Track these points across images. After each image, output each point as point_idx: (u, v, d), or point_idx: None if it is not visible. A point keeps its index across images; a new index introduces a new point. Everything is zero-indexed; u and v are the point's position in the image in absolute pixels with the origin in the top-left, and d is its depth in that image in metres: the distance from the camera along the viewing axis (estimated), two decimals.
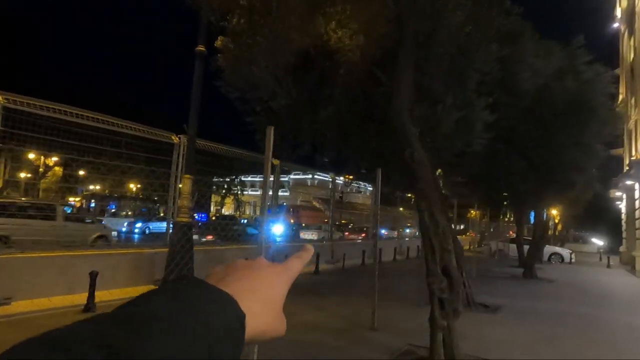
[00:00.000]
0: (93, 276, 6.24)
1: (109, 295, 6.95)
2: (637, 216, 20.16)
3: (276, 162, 11.41)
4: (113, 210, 27.96)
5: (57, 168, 31.44)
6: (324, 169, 11.94)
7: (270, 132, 3.68)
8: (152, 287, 7.46)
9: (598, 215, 40.32)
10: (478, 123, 8.54)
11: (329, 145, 9.24)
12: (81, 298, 6.36)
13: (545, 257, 21.03)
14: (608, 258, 20.61)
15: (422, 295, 6.62)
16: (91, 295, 6.22)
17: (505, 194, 17.13)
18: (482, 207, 22.97)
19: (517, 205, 18.24)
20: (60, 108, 7.15)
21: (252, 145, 10.20)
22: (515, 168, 13.95)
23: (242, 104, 7.50)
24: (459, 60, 8.17)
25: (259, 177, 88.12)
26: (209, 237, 11.89)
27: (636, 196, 20.20)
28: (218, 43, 7.91)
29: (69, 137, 7.74)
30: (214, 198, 65.07)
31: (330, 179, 14.79)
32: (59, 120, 7.17)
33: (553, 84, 12.58)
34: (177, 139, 8.52)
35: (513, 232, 28.38)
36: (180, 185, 7.99)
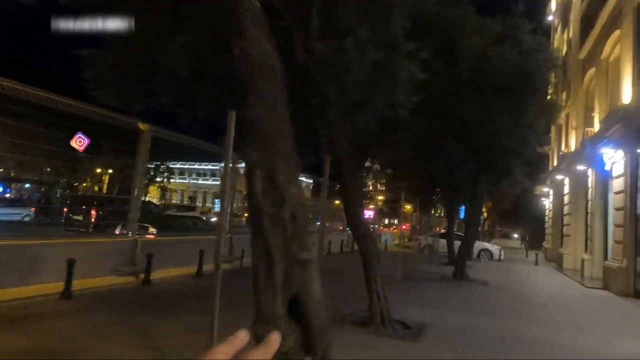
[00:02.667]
0: None
1: None
2: (565, 212, 19.51)
3: (144, 127, 8.41)
4: None
5: None
6: (207, 137, 9.00)
7: None
8: None
9: (522, 211, 41.06)
10: (403, 73, 6.22)
11: (191, 96, 6.45)
12: None
13: (475, 254, 19.83)
14: (536, 255, 19.85)
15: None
16: None
17: (437, 183, 15.38)
18: (410, 198, 21.28)
19: (450, 196, 16.64)
20: None
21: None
22: (450, 152, 12.05)
23: None
24: None
25: (188, 164, 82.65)
26: None
27: (565, 191, 19.54)
28: None
29: None
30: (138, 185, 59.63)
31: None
32: None
33: (493, 53, 10.78)
34: None
35: (440, 228, 27.27)
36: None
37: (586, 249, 16.89)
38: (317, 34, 5.34)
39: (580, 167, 15.73)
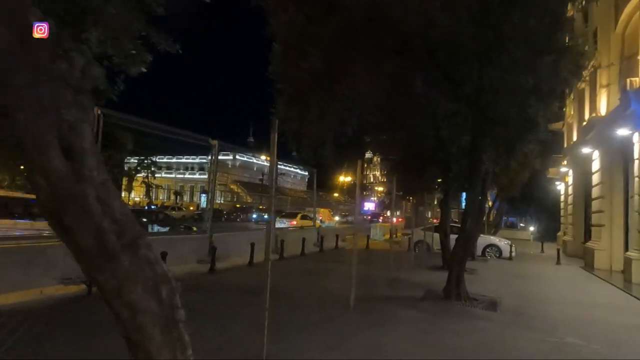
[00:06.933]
0: None
1: None
2: (594, 195, 15.23)
3: None
4: None
5: None
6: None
7: None
8: None
9: (531, 197, 36.73)
10: None
11: None
12: None
13: (479, 251, 15.63)
14: (558, 251, 15.58)
15: None
16: None
17: (424, 158, 11.16)
18: (403, 186, 17.06)
19: (439, 176, 12.43)
20: None
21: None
22: (435, 100, 7.83)
23: None
24: None
25: (175, 158, 78.90)
26: None
27: (594, 168, 15.23)
28: None
29: None
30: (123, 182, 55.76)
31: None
32: None
33: None
34: None
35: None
36: None
37: (627, 243, 12.68)
38: None
39: (621, 132, 11.44)
